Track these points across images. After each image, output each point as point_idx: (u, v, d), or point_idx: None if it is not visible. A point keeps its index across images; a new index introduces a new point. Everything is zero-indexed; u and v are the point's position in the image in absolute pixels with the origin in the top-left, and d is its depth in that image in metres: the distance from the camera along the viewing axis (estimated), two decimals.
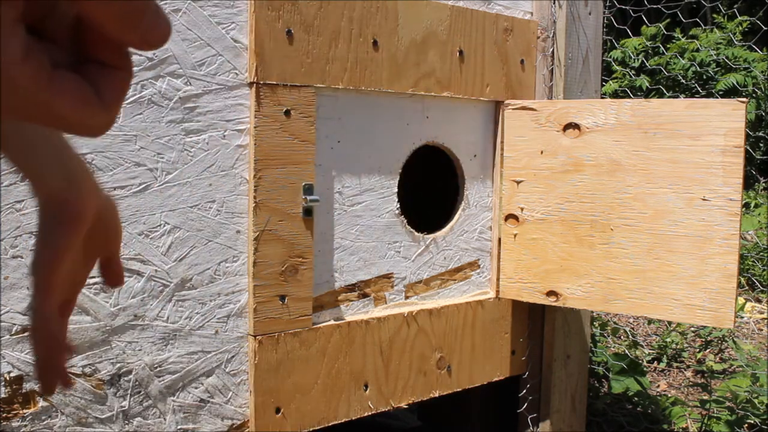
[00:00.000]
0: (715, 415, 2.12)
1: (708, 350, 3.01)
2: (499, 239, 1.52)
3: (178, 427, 1.11)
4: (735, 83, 5.57)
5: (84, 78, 0.34)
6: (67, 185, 0.50)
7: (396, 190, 1.38)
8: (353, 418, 1.31)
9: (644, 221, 1.33)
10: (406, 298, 1.41)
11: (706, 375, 2.73)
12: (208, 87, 1.11)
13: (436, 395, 1.44)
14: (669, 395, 2.44)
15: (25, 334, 0.97)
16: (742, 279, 3.73)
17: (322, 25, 1.22)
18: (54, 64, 0.32)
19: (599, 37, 1.65)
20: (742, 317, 3.40)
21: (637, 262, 1.34)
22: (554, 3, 1.57)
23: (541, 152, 1.45)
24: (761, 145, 6.09)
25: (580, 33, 1.59)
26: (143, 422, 1.08)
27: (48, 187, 0.50)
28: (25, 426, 0.97)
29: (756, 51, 5.52)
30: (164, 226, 1.08)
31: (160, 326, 1.09)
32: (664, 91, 5.37)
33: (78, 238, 0.51)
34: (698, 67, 5.78)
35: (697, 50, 5.96)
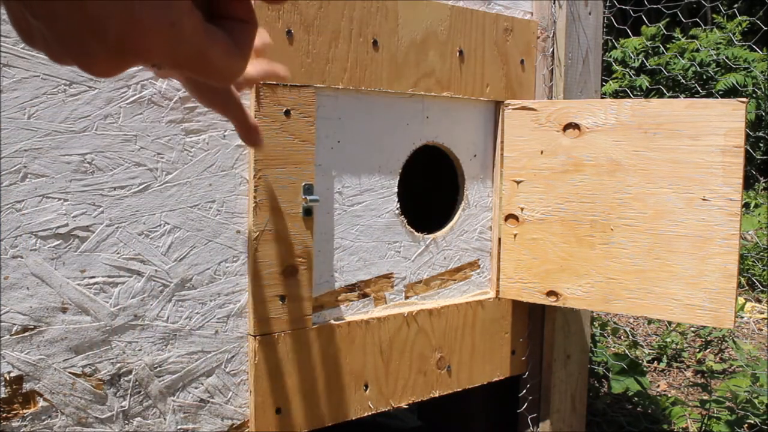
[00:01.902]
0: (715, 415, 2.12)
1: (708, 350, 3.01)
2: (499, 239, 1.52)
3: (178, 427, 1.11)
4: (735, 83, 5.57)
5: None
6: None
7: (396, 190, 1.38)
8: (353, 418, 1.31)
9: (644, 221, 1.33)
10: (406, 298, 1.41)
11: (706, 375, 2.73)
12: None
13: (436, 395, 1.44)
14: (669, 395, 2.44)
15: (25, 333, 0.97)
16: (742, 279, 3.73)
17: (322, 25, 1.22)
18: (205, 20, 0.36)
19: (599, 37, 1.65)
20: (742, 317, 3.40)
21: (637, 262, 1.34)
22: (554, 3, 1.57)
23: (541, 152, 1.45)
24: (761, 145, 6.09)
25: (580, 33, 1.59)
26: (143, 422, 1.08)
27: None
28: (25, 426, 0.97)
29: (756, 51, 5.53)
30: (164, 226, 1.08)
31: (160, 326, 1.09)
32: (664, 91, 5.37)
33: None
34: (698, 67, 5.78)
35: (697, 50, 5.96)
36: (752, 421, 2.04)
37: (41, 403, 0.99)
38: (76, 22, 0.31)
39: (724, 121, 1.24)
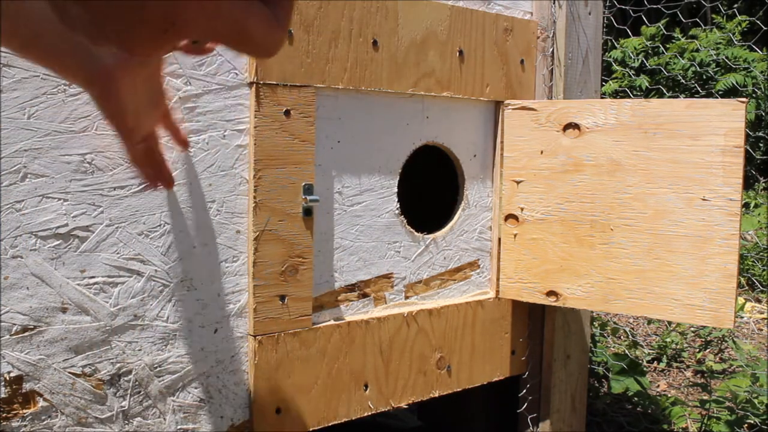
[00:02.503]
0: (715, 415, 2.12)
1: (708, 350, 3.01)
2: (499, 239, 1.52)
3: (178, 427, 1.11)
4: (735, 83, 5.57)
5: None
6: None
7: (396, 190, 1.38)
8: (353, 418, 1.31)
9: (644, 221, 1.33)
10: (406, 298, 1.41)
11: (706, 375, 2.73)
12: (207, 87, 1.11)
13: (436, 395, 1.44)
14: (669, 395, 2.44)
15: (25, 333, 0.97)
16: (742, 279, 3.73)
17: (322, 25, 1.22)
18: None
19: (599, 37, 1.65)
20: (742, 317, 3.40)
21: (637, 262, 1.34)
22: (554, 3, 1.56)
23: (541, 152, 1.45)
24: (761, 145, 6.09)
25: (580, 33, 1.59)
26: (143, 422, 1.08)
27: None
28: (25, 426, 0.97)
29: (756, 51, 5.53)
30: (164, 226, 1.08)
31: (160, 326, 1.09)
32: (664, 91, 5.37)
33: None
34: (698, 67, 5.78)
35: (697, 50, 5.96)
36: (752, 421, 2.04)
37: (41, 403, 0.99)
38: (117, 4, 0.31)
39: (724, 121, 1.24)
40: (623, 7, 2.64)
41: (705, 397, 2.28)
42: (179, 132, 0.92)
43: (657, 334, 3.22)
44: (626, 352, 2.45)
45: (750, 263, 3.90)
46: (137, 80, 0.70)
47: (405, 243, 1.40)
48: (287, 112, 1.18)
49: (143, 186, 0.90)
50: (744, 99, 1.25)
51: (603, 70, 1.74)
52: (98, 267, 1.02)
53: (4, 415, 0.96)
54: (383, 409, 1.36)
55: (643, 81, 5.82)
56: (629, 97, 5.11)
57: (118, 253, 1.04)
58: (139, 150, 0.80)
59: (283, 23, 0.39)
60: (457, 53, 1.41)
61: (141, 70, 0.69)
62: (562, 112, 1.42)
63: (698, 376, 2.78)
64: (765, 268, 3.91)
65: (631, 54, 5.96)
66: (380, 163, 1.35)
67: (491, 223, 1.55)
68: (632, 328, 3.29)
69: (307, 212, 1.22)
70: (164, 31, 0.33)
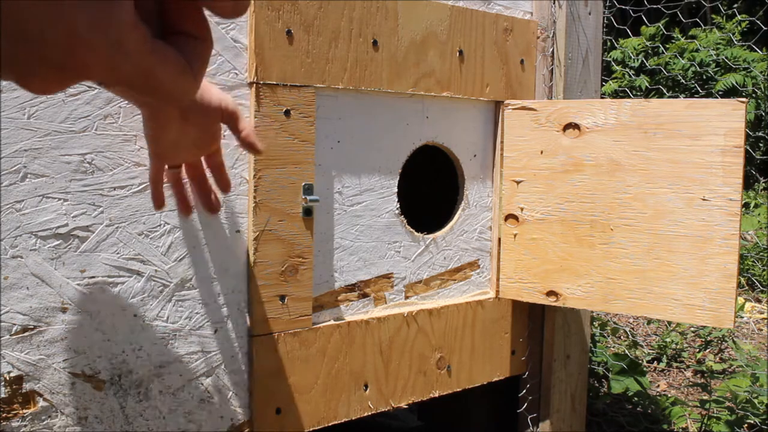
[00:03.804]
0: (715, 415, 2.12)
1: (708, 350, 3.01)
2: (499, 239, 1.52)
3: (178, 427, 1.11)
4: (735, 83, 5.57)
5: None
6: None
7: (396, 190, 1.38)
8: (353, 418, 1.31)
9: (644, 221, 1.33)
10: (406, 298, 1.41)
11: (706, 375, 2.73)
12: None
13: (436, 395, 1.44)
14: (669, 395, 2.44)
15: (25, 333, 0.97)
16: (742, 279, 3.73)
17: (322, 25, 1.22)
18: (152, 37, 0.34)
19: (599, 37, 1.65)
20: (742, 317, 3.40)
21: (637, 262, 1.34)
22: (554, 3, 1.57)
23: (541, 152, 1.45)
24: (761, 145, 6.09)
25: (580, 33, 1.59)
26: (143, 422, 1.08)
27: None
28: (25, 426, 0.97)
29: (756, 51, 5.53)
30: (164, 226, 1.08)
31: (160, 326, 1.09)
32: (664, 91, 5.37)
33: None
34: (698, 67, 5.78)
35: (697, 50, 5.96)
36: (752, 421, 2.04)
37: (41, 403, 0.99)
38: (14, 39, 0.30)
39: (724, 121, 1.24)
40: (623, 7, 2.64)
41: (705, 397, 2.28)
42: (223, 174, 0.97)
43: (657, 334, 3.22)
44: (626, 352, 2.45)
45: (750, 263, 3.90)
46: (191, 120, 0.74)
47: (405, 243, 1.40)
48: (287, 112, 1.18)
49: (154, 205, 0.95)
50: (744, 99, 1.25)
51: (603, 70, 1.73)
52: (98, 267, 1.02)
53: (4, 415, 0.96)
54: (383, 409, 1.36)
55: (643, 81, 5.82)
56: (629, 97, 5.11)
57: (118, 253, 1.04)
58: (162, 174, 0.85)
59: (196, 70, 0.36)
60: (457, 53, 1.41)
61: (197, 118, 0.74)
62: (562, 112, 1.42)
63: (698, 376, 2.78)
64: (765, 268, 3.91)
65: (631, 54, 5.96)
66: (380, 163, 1.35)
67: (491, 223, 1.55)
68: (632, 328, 3.29)
69: (307, 212, 1.22)
70: (61, 71, 0.31)
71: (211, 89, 0.83)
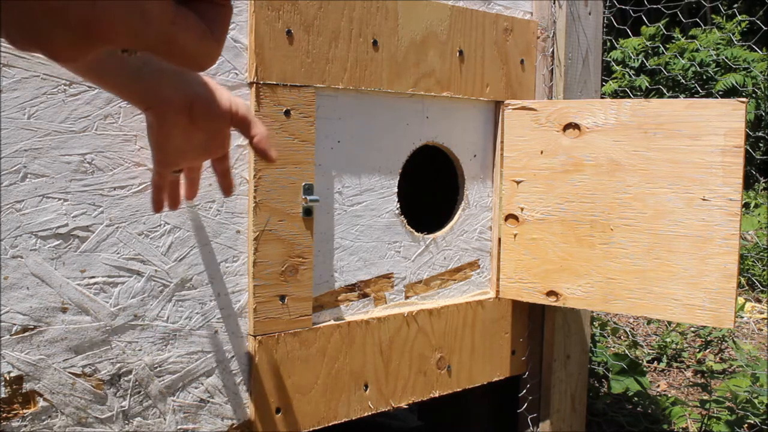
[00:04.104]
0: (715, 415, 2.12)
1: (708, 350, 3.01)
2: (499, 239, 1.52)
3: (178, 427, 1.11)
4: (735, 83, 5.57)
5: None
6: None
7: (396, 190, 1.38)
8: (353, 418, 1.31)
9: (644, 221, 1.33)
10: (406, 298, 1.41)
11: (706, 375, 2.73)
12: None
13: (436, 395, 1.44)
14: (669, 395, 2.44)
15: (25, 333, 0.97)
16: (742, 279, 3.73)
17: (322, 25, 1.22)
18: (176, 3, 0.34)
19: (599, 37, 1.65)
20: (742, 317, 3.40)
21: (637, 262, 1.34)
22: (554, 3, 1.57)
23: (541, 152, 1.45)
24: (761, 145, 6.09)
25: (580, 33, 1.59)
26: (143, 422, 1.08)
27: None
28: (25, 426, 0.97)
29: (756, 51, 5.53)
30: (164, 226, 1.08)
31: (160, 326, 1.09)
32: (664, 91, 5.38)
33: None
34: (698, 67, 5.78)
35: (697, 50, 5.96)
36: (752, 421, 2.04)
37: (41, 403, 0.99)
38: (36, 7, 0.30)
39: (724, 121, 1.24)
40: (623, 7, 2.64)
41: (705, 397, 2.28)
42: (227, 179, 0.94)
43: (657, 334, 3.22)
44: (626, 352, 2.45)
45: (750, 263, 3.90)
46: (198, 125, 0.73)
47: (405, 243, 1.40)
48: (287, 112, 1.18)
49: (153, 208, 0.93)
50: (744, 99, 1.25)
51: (603, 70, 1.74)
52: (98, 267, 1.02)
53: (4, 415, 0.96)
54: (383, 409, 1.36)
55: (643, 81, 5.82)
56: (629, 97, 5.11)
57: (118, 253, 1.04)
58: (165, 180, 0.84)
59: (217, 36, 0.37)
60: (457, 53, 1.41)
61: (205, 122, 0.73)
62: (562, 112, 1.42)
63: (698, 376, 2.78)
64: (765, 268, 3.91)
65: (631, 54, 5.96)
66: (380, 163, 1.35)
67: (491, 223, 1.55)
68: (632, 328, 3.29)
69: (307, 212, 1.22)
70: (85, 39, 0.32)
71: (221, 91, 0.79)
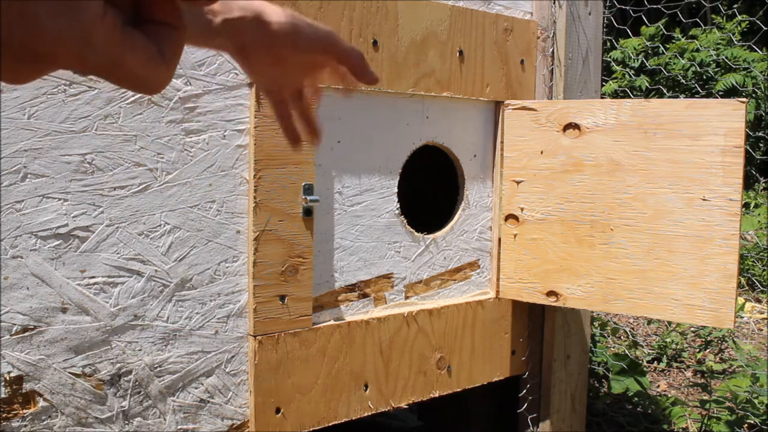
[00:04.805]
0: (715, 415, 2.12)
1: (708, 350, 3.01)
2: (499, 239, 1.52)
3: (178, 427, 1.11)
4: (735, 83, 5.57)
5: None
6: None
7: (396, 190, 1.38)
8: (353, 418, 1.31)
9: (644, 221, 1.33)
10: (406, 298, 1.41)
11: (706, 375, 2.73)
12: (208, 87, 1.11)
13: (436, 395, 1.44)
14: (669, 395, 2.44)
15: (25, 333, 0.97)
16: (742, 279, 3.73)
17: None
18: (123, 24, 0.33)
19: (599, 37, 1.65)
20: (742, 317, 3.40)
21: (637, 262, 1.34)
22: (554, 3, 1.57)
23: (541, 152, 1.45)
24: (761, 145, 6.09)
25: (580, 33, 1.59)
26: (143, 422, 1.08)
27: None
28: (25, 426, 0.97)
29: (756, 51, 5.53)
30: (164, 226, 1.08)
31: (160, 326, 1.09)
32: (664, 91, 5.38)
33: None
34: (698, 67, 5.78)
35: (697, 50, 5.96)
36: (752, 421, 2.04)
37: (41, 403, 0.99)
38: None
39: (724, 121, 1.24)
40: (623, 7, 2.64)
41: (705, 397, 2.28)
42: (312, 120, 0.75)
43: (657, 334, 3.22)
44: (626, 352, 2.45)
45: (750, 263, 3.90)
46: (299, 47, 0.64)
47: (405, 243, 1.40)
48: None
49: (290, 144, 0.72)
50: (744, 99, 1.25)
51: (603, 70, 1.74)
52: (98, 267, 1.02)
53: (5, 415, 0.95)
54: (383, 409, 1.36)
55: (643, 81, 5.82)
56: (629, 97, 5.11)
57: (118, 253, 1.04)
58: (285, 108, 0.73)
59: (169, 60, 0.36)
60: (457, 53, 1.41)
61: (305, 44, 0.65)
62: (562, 112, 1.42)
63: (698, 376, 2.78)
64: (765, 268, 3.91)
65: (631, 54, 5.96)
66: (380, 163, 1.35)
67: (491, 223, 1.55)
68: (632, 328, 3.29)
69: (307, 212, 1.22)
70: (26, 62, 0.30)
71: (300, 19, 0.69)
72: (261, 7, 0.62)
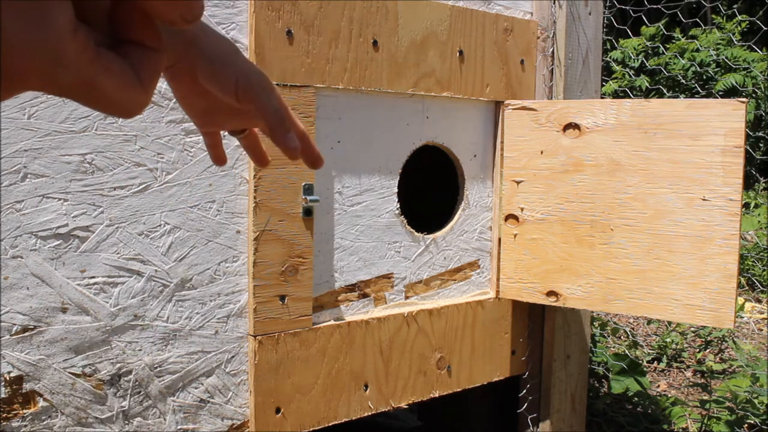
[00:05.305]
0: (715, 415, 2.12)
1: (708, 350, 3.01)
2: (499, 239, 1.52)
3: (178, 427, 1.11)
4: (735, 83, 5.57)
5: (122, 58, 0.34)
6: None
7: (396, 190, 1.38)
8: (353, 418, 1.31)
9: (644, 221, 1.33)
10: (406, 298, 1.41)
11: (706, 375, 2.73)
12: None
13: (436, 395, 1.44)
14: (669, 395, 2.44)
15: (25, 333, 0.97)
16: (742, 279, 3.73)
17: (322, 25, 1.22)
18: (97, 44, 0.32)
19: (599, 37, 1.65)
20: (742, 317, 3.40)
21: (637, 262, 1.34)
22: (554, 3, 1.57)
23: (541, 152, 1.45)
24: (761, 145, 6.09)
25: (580, 33, 1.59)
26: (143, 422, 1.08)
27: None
28: (25, 426, 0.97)
29: (756, 51, 5.53)
30: (164, 226, 1.08)
31: (160, 326, 1.09)
32: (664, 91, 5.38)
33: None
34: (698, 67, 5.79)
35: (697, 50, 5.96)
36: (752, 421, 2.04)
37: (41, 403, 0.99)
38: None
39: (724, 121, 1.24)
40: (623, 7, 2.64)
41: (705, 397, 2.28)
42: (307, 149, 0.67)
43: (657, 334, 3.22)
44: (626, 352, 2.45)
45: (750, 263, 3.90)
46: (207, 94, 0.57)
47: (405, 243, 1.40)
48: None
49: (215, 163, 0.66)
50: (744, 99, 1.25)
51: (603, 70, 1.74)
52: (98, 267, 1.02)
53: (5, 415, 0.95)
54: (383, 409, 1.36)
55: (643, 81, 5.82)
56: (629, 97, 5.11)
57: (118, 253, 1.04)
58: (216, 138, 0.63)
59: (146, 83, 0.34)
60: (457, 53, 1.41)
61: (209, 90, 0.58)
62: (562, 112, 1.42)
63: (698, 376, 2.78)
64: (765, 268, 3.91)
65: (631, 54, 5.96)
66: (380, 163, 1.35)
67: (491, 223, 1.55)
68: (632, 328, 3.29)
69: (307, 212, 1.22)
70: None
71: (232, 58, 0.64)
72: (201, 33, 0.54)
